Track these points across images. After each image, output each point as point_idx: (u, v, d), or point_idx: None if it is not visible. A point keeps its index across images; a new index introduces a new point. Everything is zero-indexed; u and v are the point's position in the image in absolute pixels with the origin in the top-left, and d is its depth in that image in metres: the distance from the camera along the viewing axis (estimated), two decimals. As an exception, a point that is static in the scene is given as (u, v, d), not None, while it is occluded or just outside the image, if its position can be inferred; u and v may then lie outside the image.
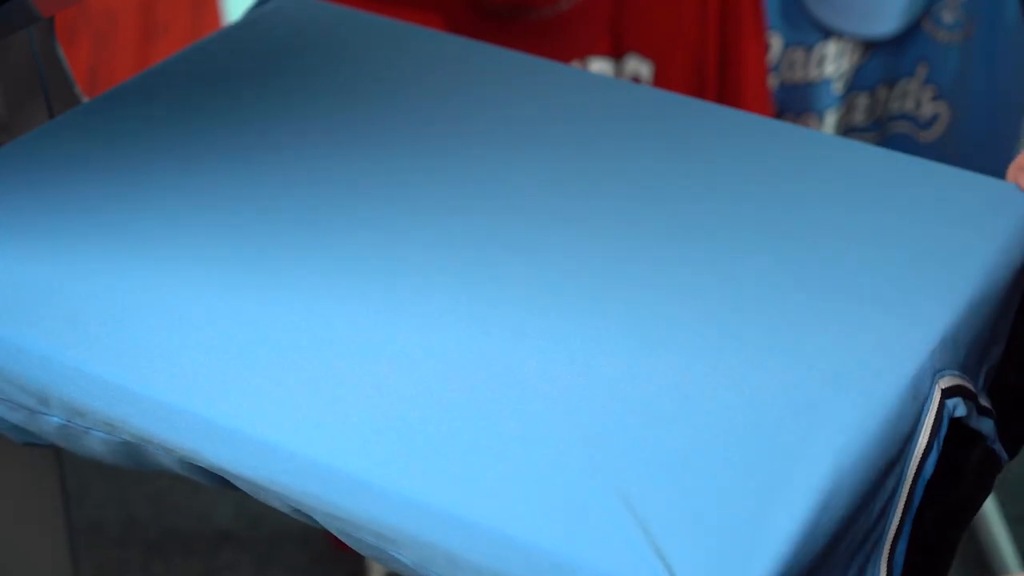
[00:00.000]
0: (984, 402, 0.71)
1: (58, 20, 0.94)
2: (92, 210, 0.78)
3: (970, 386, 0.70)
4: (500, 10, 1.27)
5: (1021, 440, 0.79)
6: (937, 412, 0.67)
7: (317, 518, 0.63)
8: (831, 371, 0.66)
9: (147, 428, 0.66)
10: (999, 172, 0.82)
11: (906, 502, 0.67)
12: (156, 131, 0.86)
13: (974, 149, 1.45)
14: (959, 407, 0.69)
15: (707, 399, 0.64)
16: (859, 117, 1.44)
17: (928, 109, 1.44)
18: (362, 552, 0.64)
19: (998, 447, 0.73)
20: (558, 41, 1.28)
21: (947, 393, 0.68)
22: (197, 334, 0.68)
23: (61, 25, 0.96)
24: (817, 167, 0.83)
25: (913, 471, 0.66)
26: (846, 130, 1.44)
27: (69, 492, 1.03)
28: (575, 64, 1.29)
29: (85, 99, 0.96)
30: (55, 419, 0.69)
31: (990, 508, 1.61)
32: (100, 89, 1.35)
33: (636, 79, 1.31)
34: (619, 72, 1.31)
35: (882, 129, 1.46)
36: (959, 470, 0.72)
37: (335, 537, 0.65)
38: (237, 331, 0.68)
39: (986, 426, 0.71)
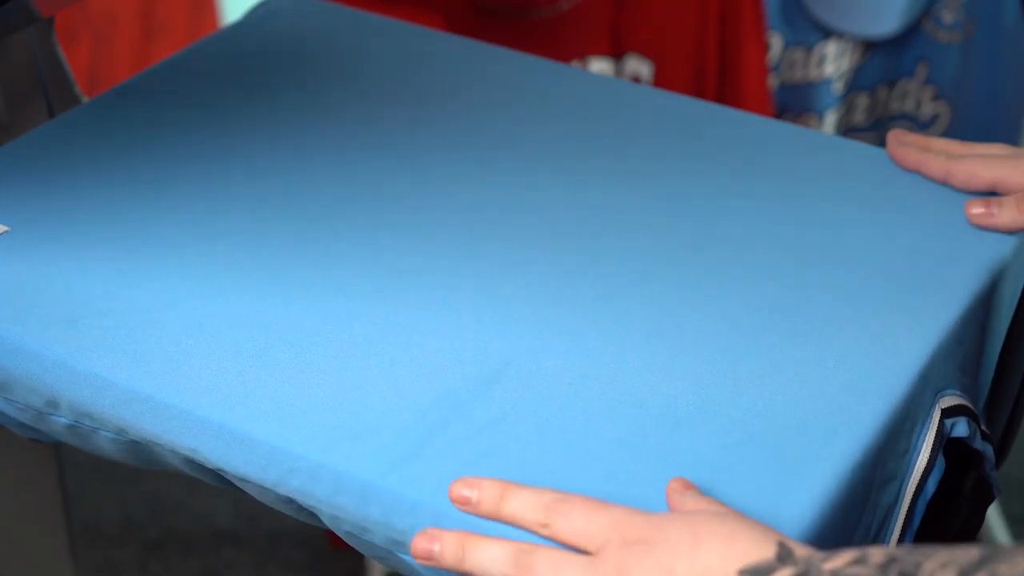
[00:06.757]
0: (984, 427, 0.71)
1: (58, 20, 0.94)
2: (93, 210, 0.78)
3: (971, 406, 0.70)
4: (501, 10, 1.27)
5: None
6: (937, 431, 0.67)
7: (325, 520, 0.63)
8: (829, 387, 0.65)
9: (156, 431, 0.66)
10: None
11: (906, 519, 0.66)
12: (156, 131, 0.86)
13: (974, 149, 1.44)
14: (960, 426, 0.68)
15: (711, 409, 0.64)
16: (859, 117, 1.44)
17: (928, 109, 1.44)
18: (368, 554, 0.64)
19: (995, 476, 0.72)
20: (558, 41, 1.28)
21: (948, 412, 0.68)
22: (206, 338, 0.68)
23: (61, 25, 0.96)
24: (817, 167, 0.83)
25: (913, 488, 0.66)
26: (846, 130, 1.43)
27: (67, 492, 1.03)
28: (575, 64, 1.29)
29: (85, 99, 0.96)
30: (63, 420, 0.69)
31: (990, 508, 1.60)
32: (100, 89, 1.35)
33: (636, 79, 1.31)
34: (619, 72, 1.31)
35: (882, 129, 1.46)
36: (956, 492, 0.72)
37: (334, 536, 0.65)
38: (247, 335, 0.68)
39: (986, 449, 0.70)
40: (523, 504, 0.58)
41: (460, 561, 0.58)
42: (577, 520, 0.57)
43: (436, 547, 0.59)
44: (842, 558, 0.51)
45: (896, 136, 0.82)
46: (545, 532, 0.57)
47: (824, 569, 0.51)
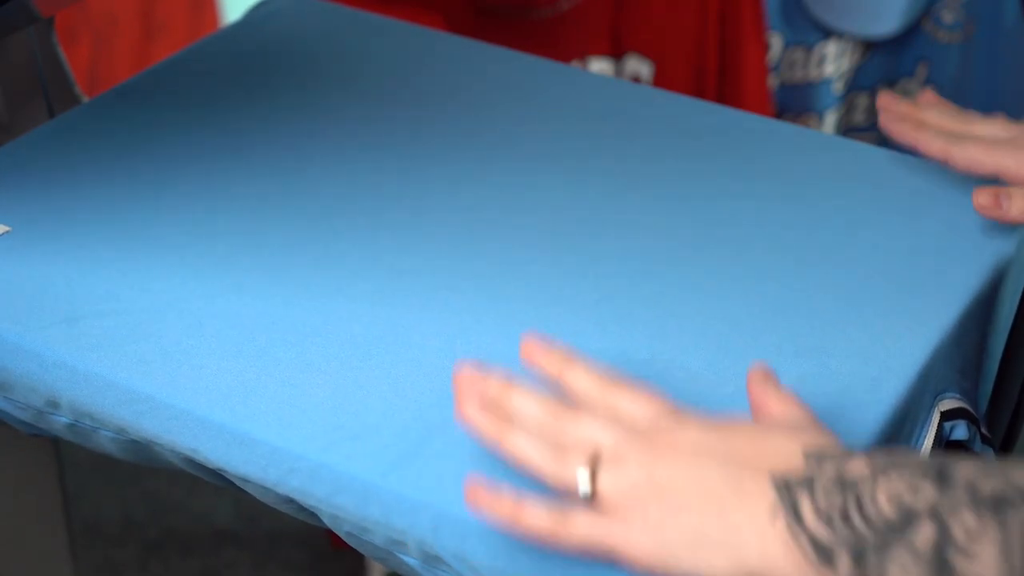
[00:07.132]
0: (985, 430, 0.71)
1: (58, 20, 0.94)
2: (93, 210, 0.78)
3: (972, 409, 0.69)
4: (501, 10, 1.27)
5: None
6: (936, 432, 0.67)
7: (325, 520, 0.63)
8: (829, 388, 0.65)
9: (156, 431, 0.66)
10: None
11: None
12: (156, 131, 0.86)
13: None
14: (960, 429, 0.68)
15: (712, 410, 0.64)
16: (859, 117, 1.44)
17: (928, 109, 1.44)
18: (368, 554, 0.64)
19: None
20: (558, 41, 1.28)
21: (947, 416, 0.68)
22: (206, 338, 0.68)
23: (61, 25, 0.96)
24: (817, 167, 0.83)
25: None
26: (846, 130, 1.43)
27: (67, 492, 1.03)
28: (575, 64, 1.29)
29: (85, 99, 0.96)
30: (63, 419, 0.69)
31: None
32: (100, 89, 1.36)
33: (636, 79, 1.31)
34: (619, 72, 1.31)
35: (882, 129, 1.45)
36: None
37: (334, 536, 0.65)
38: (247, 335, 0.68)
39: (986, 452, 0.70)
40: (583, 379, 0.59)
41: (505, 391, 0.59)
42: (632, 400, 0.57)
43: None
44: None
45: (888, 107, 0.81)
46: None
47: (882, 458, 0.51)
